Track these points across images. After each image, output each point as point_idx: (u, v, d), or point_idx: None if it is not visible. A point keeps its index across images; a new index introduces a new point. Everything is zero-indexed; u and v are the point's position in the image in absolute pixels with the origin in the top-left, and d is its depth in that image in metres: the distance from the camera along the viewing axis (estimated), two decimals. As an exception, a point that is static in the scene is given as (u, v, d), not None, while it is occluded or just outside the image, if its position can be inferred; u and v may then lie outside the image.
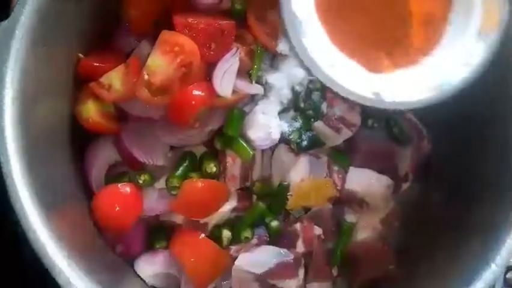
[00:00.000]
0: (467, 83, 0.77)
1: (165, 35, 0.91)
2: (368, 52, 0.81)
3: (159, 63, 0.90)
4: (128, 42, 1.00)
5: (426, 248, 1.05)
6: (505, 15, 0.75)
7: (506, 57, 0.86)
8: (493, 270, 0.84)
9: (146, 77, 0.90)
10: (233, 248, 1.00)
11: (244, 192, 1.03)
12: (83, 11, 0.91)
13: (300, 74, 0.99)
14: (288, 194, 1.03)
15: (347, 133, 1.04)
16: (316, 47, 0.76)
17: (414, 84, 0.79)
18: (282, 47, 0.98)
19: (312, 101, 1.02)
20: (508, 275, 0.99)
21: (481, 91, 0.89)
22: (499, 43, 0.76)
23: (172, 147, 1.01)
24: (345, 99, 0.79)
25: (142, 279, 1.00)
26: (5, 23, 0.78)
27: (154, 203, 0.99)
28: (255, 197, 1.04)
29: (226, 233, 1.00)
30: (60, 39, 0.88)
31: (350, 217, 1.08)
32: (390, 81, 0.79)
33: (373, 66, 0.80)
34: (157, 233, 1.02)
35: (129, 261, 1.01)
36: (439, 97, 0.78)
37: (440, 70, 0.79)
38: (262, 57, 0.99)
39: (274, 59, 1.02)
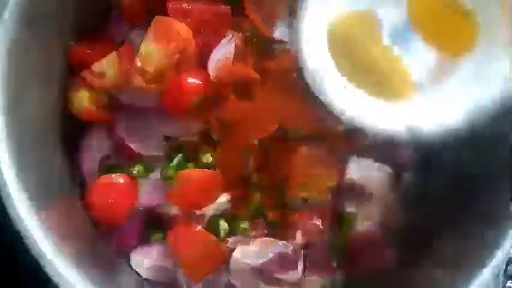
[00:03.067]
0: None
1: (159, 20, 0.88)
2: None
3: (152, 50, 0.88)
4: (121, 29, 0.97)
5: (428, 240, 1.02)
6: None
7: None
8: (494, 263, 0.82)
9: (139, 64, 0.88)
10: (230, 239, 0.98)
11: (242, 182, 1.00)
12: (74, -4, 0.88)
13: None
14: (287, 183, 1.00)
15: (347, 121, 1.02)
16: (339, 94, 0.79)
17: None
18: (279, 33, 0.96)
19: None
20: (510, 268, 0.98)
21: None
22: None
23: (167, 137, 0.98)
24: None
25: (136, 272, 0.98)
26: (-10, 8, 0.76)
27: (148, 194, 0.97)
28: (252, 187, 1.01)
29: (223, 225, 0.98)
30: (50, 25, 0.85)
31: (350, 208, 1.06)
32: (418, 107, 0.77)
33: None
34: (152, 225, 0.99)
35: (124, 253, 0.99)
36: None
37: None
38: (258, 44, 0.97)
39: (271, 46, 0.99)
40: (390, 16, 0.84)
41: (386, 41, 0.84)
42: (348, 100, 0.80)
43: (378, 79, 0.82)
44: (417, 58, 0.84)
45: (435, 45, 0.83)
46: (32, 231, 0.73)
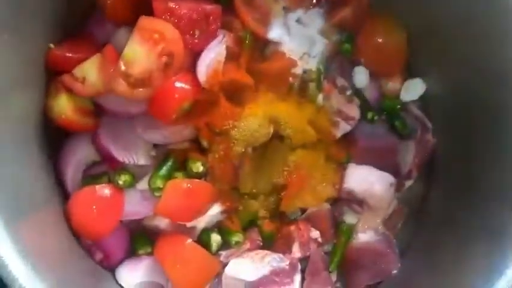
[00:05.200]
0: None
1: (144, 21, 0.84)
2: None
3: (137, 53, 0.83)
4: (103, 30, 0.92)
5: (431, 250, 0.99)
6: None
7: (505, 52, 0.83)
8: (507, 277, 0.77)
9: (123, 67, 0.83)
10: (223, 253, 0.94)
11: (234, 193, 0.96)
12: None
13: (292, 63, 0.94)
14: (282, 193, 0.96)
15: (345, 127, 0.99)
16: None
17: None
18: (273, 33, 0.92)
19: (307, 93, 0.96)
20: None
21: (481, 81, 0.89)
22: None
23: (155, 145, 0.94)
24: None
25: (123, 288, 0.93)
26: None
27: (135, 205, 0.92)
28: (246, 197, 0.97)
29: (215, 238, 0.94)
30: (27, 26, 0.80)
31: (349, 218, 1.02)
32: None
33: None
34: (140, 239, 0.95)
35: (110, 269, 0.95)
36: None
37: None
38: (251, 45, 0.92)
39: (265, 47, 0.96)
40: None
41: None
42: None
43: None
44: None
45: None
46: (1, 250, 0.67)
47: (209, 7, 0.86)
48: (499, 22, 0.82)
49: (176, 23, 0.84)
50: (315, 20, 0.99)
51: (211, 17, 0.87)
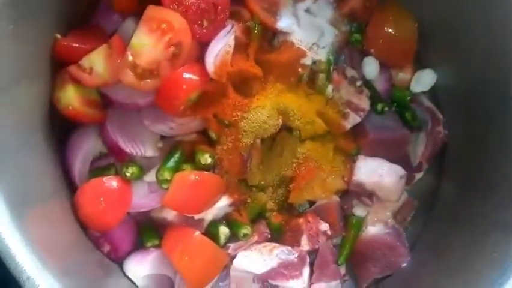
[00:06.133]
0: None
1: (151, 10, 0.82)
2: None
3: (145, 43, 0.82)
4: (111, 20, 0.91)
5: (442, 244, 0.97)
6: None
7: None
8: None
9: (130, 58, 0.81)
10: (231, 245, 0.93)
11: (243, 184, 0.95)
12: (60, -16, 0.82)
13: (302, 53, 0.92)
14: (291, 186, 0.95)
15: (354, 119, 0.97)
16: None
17: None
18: (281, 23, 0.90)
19: (316, 84, 0.95)
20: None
21: (492, 72, 0.88)
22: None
23: (162, 137, 0.93)
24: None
25: (131, 280, 0.93)
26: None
27: (143, 198, 0.91)
28: (254, 189, 0.96)
29: (223, 230, 0.93)
30: (34, 17, 0.79)
31: (359, 211, 1.01)
32: None
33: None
34: (148, 231, 0.94)
35: (117, 261, 0.94)
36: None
37: None
38: (260, 35, 0.91)
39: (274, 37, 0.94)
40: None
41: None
42: None
43: None
44: None
45: None
46: (7, 241, 0.67)
47: (217, -4, 0.85)
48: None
49: (184, 12, 0.83)
50: (324, 10, 0.97)
51: (219, 7, 0.85)
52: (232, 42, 0.87)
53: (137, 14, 0.84)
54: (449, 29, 0.95)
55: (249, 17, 0.90)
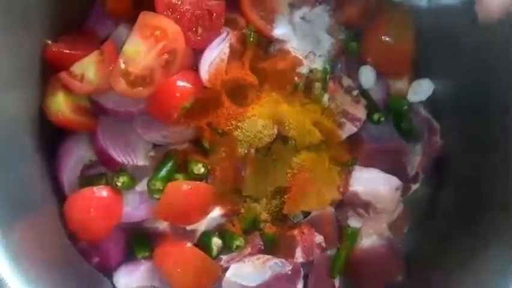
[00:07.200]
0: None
1: (145, 17, 0.81)
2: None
3: (138, 50, 0.81)
4: (103, 26, 0.90)
5: (438, 256, 0.97)
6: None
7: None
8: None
9: (122, 65, 0.80)
10: (224, 257, 0.92)
11: (236, 195, 0.93)
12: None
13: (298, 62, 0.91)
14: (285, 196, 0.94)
15: (350, 128, 0.97)
16: None
17: None
18: (277, 31, 0.90)
19: (312, 93, 0.94)
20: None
21: (490, 82, 0.88)
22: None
23: (154, 146, 0.92)
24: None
25: (121, 293, 0.91)
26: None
27: (134, 208, 0.90)
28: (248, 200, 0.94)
29: (216, 241, 0.92)
30: (23, 22, 0.78)
31: (354, 222, 0.99)
32: None
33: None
34: (139, 242, 0.93)
35: (106, 272, 0.92)
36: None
37: None
38: (255, 43, 0.90)
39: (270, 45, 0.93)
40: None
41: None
42: None
43: None
44: None
45: None
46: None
47: (212, 3, 0.84)
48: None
49: (179, 19, 0.82)
50: (321, 18, 0.96)
51: (214, 14, 0.85)
52: (227, 50, 0.86)
53: (131, 19, 0.83)
54: (447, 39, 0.95)
55: (244, 24, 0.90)
